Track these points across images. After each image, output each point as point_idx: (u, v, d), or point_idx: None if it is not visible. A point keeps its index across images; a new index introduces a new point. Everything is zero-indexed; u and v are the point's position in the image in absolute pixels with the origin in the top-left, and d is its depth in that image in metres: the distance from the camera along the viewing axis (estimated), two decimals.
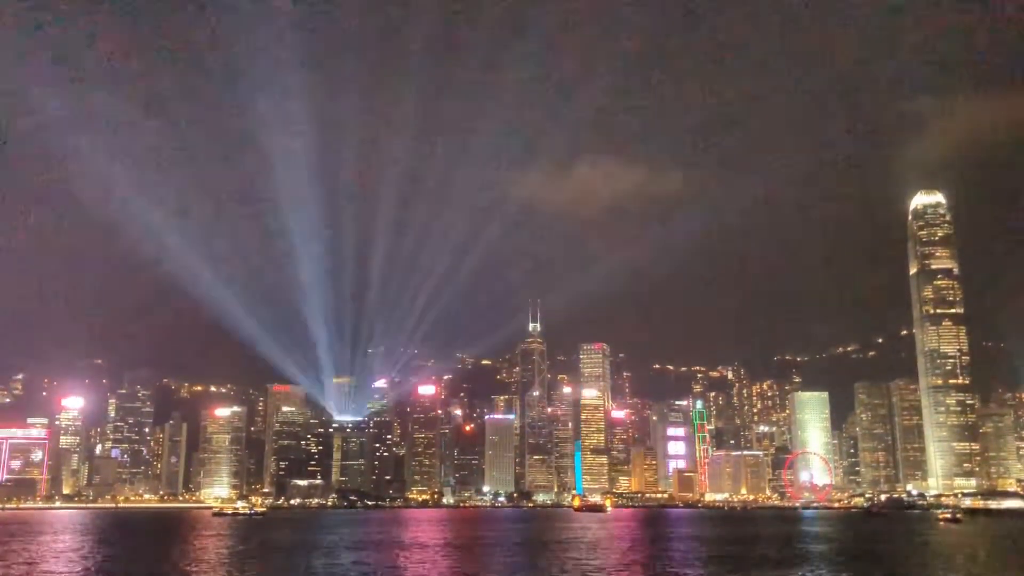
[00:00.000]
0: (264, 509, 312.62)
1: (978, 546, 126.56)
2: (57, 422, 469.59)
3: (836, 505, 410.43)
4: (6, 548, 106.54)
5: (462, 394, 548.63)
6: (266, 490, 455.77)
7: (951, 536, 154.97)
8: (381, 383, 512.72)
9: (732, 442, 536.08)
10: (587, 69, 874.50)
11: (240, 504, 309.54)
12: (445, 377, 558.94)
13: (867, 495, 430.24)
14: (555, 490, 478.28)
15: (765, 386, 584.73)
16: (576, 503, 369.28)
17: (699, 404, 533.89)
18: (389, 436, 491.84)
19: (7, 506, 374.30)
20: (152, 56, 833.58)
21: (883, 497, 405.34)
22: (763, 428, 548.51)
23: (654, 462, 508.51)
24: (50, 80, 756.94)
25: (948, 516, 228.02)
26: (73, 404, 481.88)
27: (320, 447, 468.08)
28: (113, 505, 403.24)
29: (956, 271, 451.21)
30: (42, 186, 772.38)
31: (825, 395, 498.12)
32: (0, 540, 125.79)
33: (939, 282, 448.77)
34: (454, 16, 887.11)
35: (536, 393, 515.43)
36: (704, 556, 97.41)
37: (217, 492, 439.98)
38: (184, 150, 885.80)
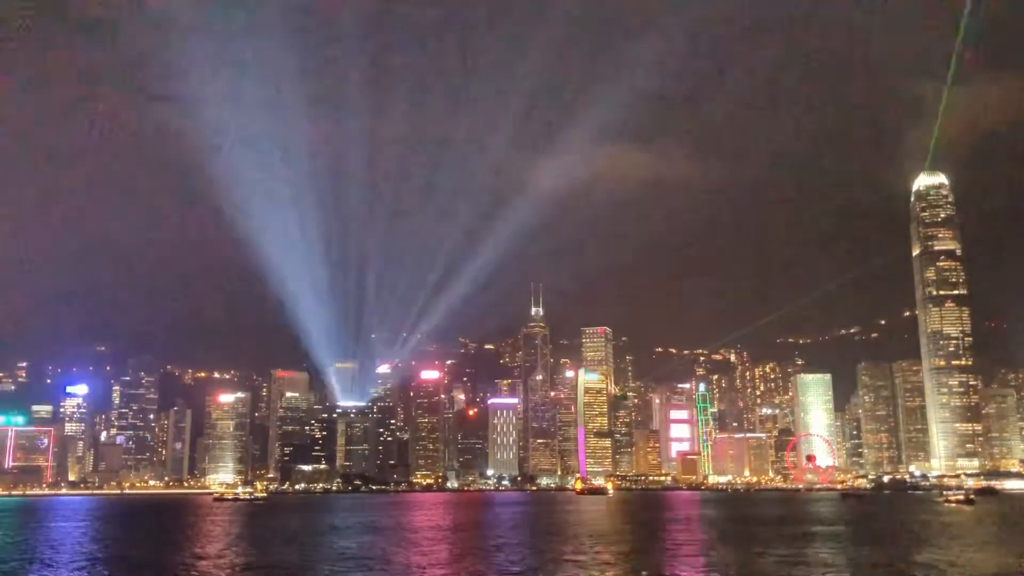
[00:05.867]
0: (265, 494, 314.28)
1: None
2: (62, 409, 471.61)
3: (840, 487, 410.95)
4: (12, 533, 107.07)
5: (465, 378, 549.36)
6: (271, 475, 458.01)
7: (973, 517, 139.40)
8: (384, 368, 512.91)
9: (735, 425, 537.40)
10: (603, 61, 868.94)
11: (241, 490, 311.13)
12: (448, 362, 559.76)
13: (870, 476, 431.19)
14: (559, 473, 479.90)
15: (768, 368, 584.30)
16: (579, 486, 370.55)
17: (702, 387, 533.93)
18: (393, 421, 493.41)
19: (13, 493, 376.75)
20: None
21: (886, 479, 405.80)
22: (766, 410, 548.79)
23: (657, 445, 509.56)
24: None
25: (960, 498, 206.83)
26: (77, 391, 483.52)
27: (324, 432, 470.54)
28: (118, 491, 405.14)
29: (959, 252, 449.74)
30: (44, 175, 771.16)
31: (828, 377, 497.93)
32: (6, 525, 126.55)
33: (942, 263, 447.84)
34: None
35: (539, 377, 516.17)
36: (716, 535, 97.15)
37: (222, 478, 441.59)
38: (180, 137, 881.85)
